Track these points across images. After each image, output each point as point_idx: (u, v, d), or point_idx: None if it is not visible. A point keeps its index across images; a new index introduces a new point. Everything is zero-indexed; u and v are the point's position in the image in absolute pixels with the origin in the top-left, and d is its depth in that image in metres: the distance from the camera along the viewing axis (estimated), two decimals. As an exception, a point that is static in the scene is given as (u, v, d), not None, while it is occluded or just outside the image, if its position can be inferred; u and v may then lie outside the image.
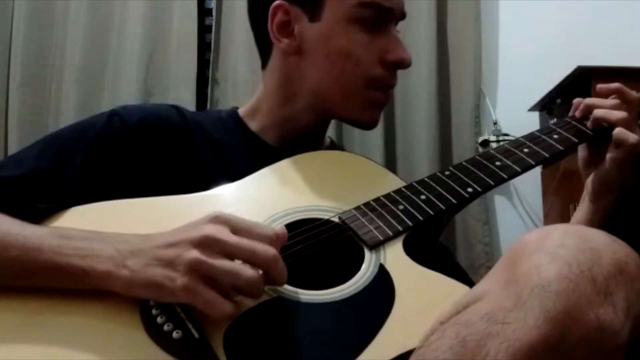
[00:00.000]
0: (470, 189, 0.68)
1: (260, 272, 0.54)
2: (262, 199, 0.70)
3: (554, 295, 0.42)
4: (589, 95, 1.45)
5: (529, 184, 1.76)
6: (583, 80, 1.47)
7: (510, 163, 0.71)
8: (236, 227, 0.55)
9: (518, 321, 0.41)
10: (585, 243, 0.46)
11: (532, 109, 1.72)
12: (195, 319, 0.53)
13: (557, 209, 1.62)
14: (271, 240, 0.55)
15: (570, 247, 0.45)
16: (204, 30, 1.93)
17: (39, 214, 0.66)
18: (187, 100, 1.76)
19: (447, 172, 0.71)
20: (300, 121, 0.82)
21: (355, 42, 0.75)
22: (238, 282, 0.52)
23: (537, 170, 1.73)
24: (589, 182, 0.79)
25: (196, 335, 0.52)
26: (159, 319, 0.53)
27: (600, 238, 0.47)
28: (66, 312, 0.55)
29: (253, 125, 0.83)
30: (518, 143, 0.75)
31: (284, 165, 0.74)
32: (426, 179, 0.70)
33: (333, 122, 1.76)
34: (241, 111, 0.86)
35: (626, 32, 1.82)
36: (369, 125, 0.82)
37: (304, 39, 0.77)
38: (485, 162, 0.72)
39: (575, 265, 0.44)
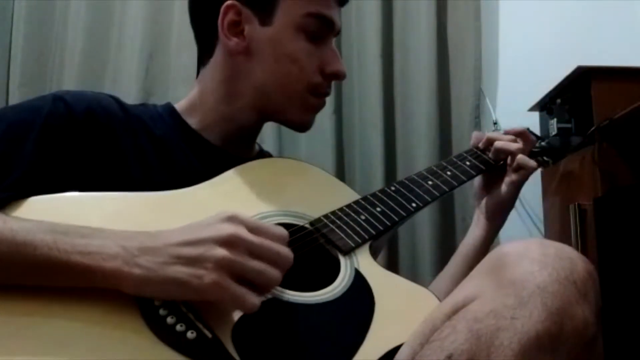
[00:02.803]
0: (414, 204, 0.80)
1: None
2: (231, 204, 0.71)
3: (552, 295, 0.50)
4: (589, 96, 1.46)
5: (529, 184, 1.73)
6: (583, 80, 1.47)
7: (439, 183, 0.85)
8: (252, 227, 0.56)
9: (524, 317, 0.49)
10: (562, 253, 0.54)
11: (532, 109, 1.72)
12: (203, 318, 0.53)
13: (557, 209, 1.62)
14: (282, 240, 0.58)
15: (552, 256, 0.54)
16: (204, 30, 1.92)
17: None
18: (187, 100, 1.76)
19: (392, 188, 0.82)
20: (240, 120, 0.83)
21: (302, 50, 0.80)
22: (263, 280, 0.55)
23: (537, 171, 1.72)
24: (483, 203, 0.94)
25: (209, 335, 0.52)
26: (169, 319, 0.53)
27: (570, 250, 0.56)
28: (60, 314, 0.53)
29: (193, 122, 0.84)
30: (442, 166, 0.89)
31: (243, 170, 0.77)
32: (378, 193, 0.80)
33: (333, 121, 1.77)
34: (179, 107, 0.86)
35: (626, 32, 1.82)
36: (304, 128, 0.86)
37: (253, 40, 0.80)
38: (421, 181, 0.85)
39: (561, 271, 0.52)
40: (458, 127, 1.79)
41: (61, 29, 1.83)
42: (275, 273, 0.55)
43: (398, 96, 1.81)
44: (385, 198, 0.79)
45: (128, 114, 0.79)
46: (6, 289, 0.54)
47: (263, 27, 0.79)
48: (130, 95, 1.76)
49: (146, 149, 0.77)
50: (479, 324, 0.50)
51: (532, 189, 1.76)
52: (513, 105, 1.80)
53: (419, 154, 1.75)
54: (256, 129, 0.89)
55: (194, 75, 1.91)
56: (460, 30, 1.82)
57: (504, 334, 0.49)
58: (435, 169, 0.88)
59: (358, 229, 0.72)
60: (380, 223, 0.75)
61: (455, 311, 0.54)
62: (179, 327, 0.52)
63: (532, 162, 0.90)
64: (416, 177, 0.86)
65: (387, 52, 1.81)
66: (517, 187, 0.91)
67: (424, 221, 1.69)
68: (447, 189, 0.85)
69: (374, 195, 0.79)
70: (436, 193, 0.84)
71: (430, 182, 0.85)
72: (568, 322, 0.50)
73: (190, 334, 0.52)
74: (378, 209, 0.77)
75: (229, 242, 0.54)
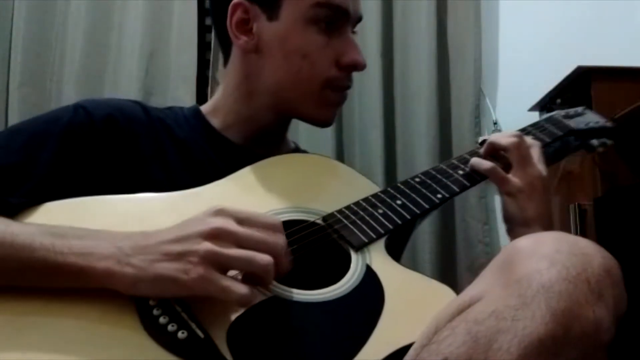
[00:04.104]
0: (439, 195, 0.74)
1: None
2: (244, 200, 0.70)
3: (557, 295, 0.46)
4: (589, 96, 1.45)
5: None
6: (583, 80, 1.47)
7: (471, 172, 0.78)
8: (241, 219, 0.56)
9: (526, 318, 0.45)
10: (577, 249, 0.50)
11: (532, 109, 1.72)
12: (197, 318, 0.53)
13: (557, 209, 1.62)
14: (275, 228, 0.57)
15: (565, 252, 0.49)
16: (204, 30, 1.93)
17: (12, 210, 0.63)
18: (186, 100, 1.76)
19: (417, 179, 0.76)
20: (260, 119, 0.82)
21: (312, 43, 0.76)
22: (253, 268, 0.54)
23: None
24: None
25: (201, 335, 0.52)
26: (161, 319, 0.53)
27: (587, 244, 0.51)
28: (60, 313, 0.53)
29: (216, 122, 0.84)
30: (477, 154, 0.81)
31: (259, 167, 0.75)
32: (399, 185, 0.75)
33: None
34: (203, 109, 0.86)
35: (626, 32, 1.82)
36: (324, 124, 0.83)
37: (262, 38, 0.78)
38: (450, 170, 0.78)
39: (572, 269, 0.48)
40: (458, 127, 1.79)
41: (61, 29, 1.83)
42: (265, 258, 0.53)
43: (398, 96, 1.81)
44: (407, 190, 0.74)
45: (151, 118, 0.79)
46: (10, 290, 0.55)
47: (270, 23, 0.77)
48: (130, 95, 1.76)
49: (168, 151, 0.77)
50: (478, 326, 0.47)
51: (532, 189, 1.76)
52: (513, 105, 1.80)
53: (419, 154, 1.75)
54: (279, 127, 0.86)
55: (194, 75, 1.90)
56: (460, 30, 1.82)
57: (503, 337, 0.45)
58: (467, 156, 0.81)
59: (373, 223, 0.68)
60: (399, 217, 0.70)
61: (460, 312, 0.50)
62: (170, 327, 0.52)
63: (484, 164, 0.77)
64: (445, 167, 0.79)
65: (387, 52, 1.82)
66: (502, 193, 0.77)
67: (424, 221, 1.69)
68: (479, 178, 0.77)
69: (395, 187, 0.74)
70: (467, 183, 0.76)
71: (460, 172, 0.78)
72: (575, 324, 0.45)
73: (181, 334, 0.51)
74: (398, 202, 0.72)
75: (213, 234, 0.53)
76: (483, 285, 0.52)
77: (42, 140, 0.70)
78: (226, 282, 0.52)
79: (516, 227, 0.75)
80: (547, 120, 0.93)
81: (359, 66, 0.79)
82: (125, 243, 0.55)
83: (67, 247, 0.55)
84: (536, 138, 0.85)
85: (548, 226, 0.75)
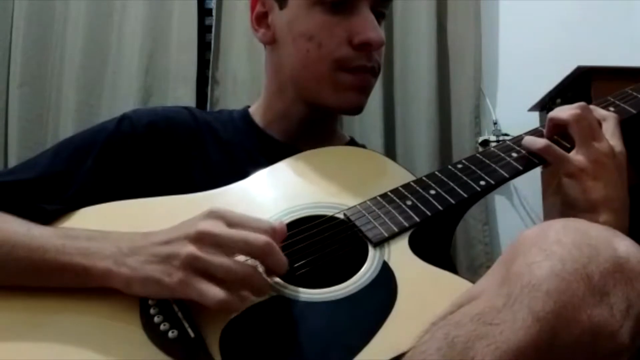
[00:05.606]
0: (483, 182, 0.66)
1: (257, 264, 0.54)
2: (268, 197, 0.70)
3: (544, 294, 0.40)
4: (589, 96, 1.45)
5: (529, 184, 1.76)
6: (583, 80, 1.47)
7: (528, 155, 0.69)
8: (231, 221, 0.55)
9: (506, 322, 0.40)
10: (584, 239, 0.43)
11: (532, 109, 1.72)
12: (193, 318, 0.53)
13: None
14: (266, 232, 0.55)
15: (566, 243, 0.43)
16: (204, 30, 1.93)
17: (48, 216, 0.66)
18: (187, 99, 1.76)
19: (459, 165, 0.69)
20: (295, 113, 0.81)
21: (317, 25, 0.73)
22: (235, 277, 0.53)
23: (537, 170, 1.73)
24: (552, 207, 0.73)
25: (192, 335, 0.52)
26: (156, 319, 0.53)
27: (600, 234, 0.45)
28: (68, 311, 0.56)
29: (260, 121, 0.84)
30: (539, 132, 0.72)
31: (291, 162, 0.74)
32: (437, 173, 0.68)
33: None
34: (251, 109, 0.87)
35: (626, 32, 1.82)
36: (350, 110, 0.79)
37: (275, 28, 0.78)
38: (502, 154, 0.70)
39: (569, 263, 0.41)
40: (458, 127, 1.79)
41: (61, 29, 1.83)
42: (245, 269, 0.53)
43: (398, 97, 1.81)
44: (444, 178, 0.67)
45: (198, 122, 0.80)
46: (26, 289, 0.58)
47: (281, 11, 0.77)
48: (130, 96, 1.76)
49: (211, 152, 0.78)
50: (457, 330, 0.41)
51: (532, 188, 1.76)
52: (513, 105, 1.80)
53: (419, 154, 1.75)
54: (318, 120, 0.82)
55: (194, 75, 1.90)
56: (460, 30, 1.82)
57: (479, 344, 0.39)
58: (525, 136, 0.72)
59: (398, 216, 0.62)
60: (430, 208, 0.63)
61: (452, 312, 0.45)
62: (162, 327, 0.53)
63: (538, 142, 0.69)
64: (496, 150, 0.70)
65: (387, 52, 1.81)
66: (551, 175, 0.71)
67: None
68: (536, 161, 0.68)
69: (432, 175, 0.68)
70: (520, 167, 0.67)
71: (514, 154, 0.68)
72: (564, 330, 0.39)
73: (171, 333, 0.52)
74: (432, 192, 0.65)
75: (197, 238, 0.53)
76: (483, 283, 0.47)
77: (86, 150, 0.73)
78: (204, 288, 0.51)
79: (579, 213, 0.64)
80: (635, 88, 0.81)
81: (374, 43, 0.74)
82: (126, 244, 0.56)
83: (76, 248, 0.57)
84: (617, 109, 0.74)
85: (620, 211, 0.64)
